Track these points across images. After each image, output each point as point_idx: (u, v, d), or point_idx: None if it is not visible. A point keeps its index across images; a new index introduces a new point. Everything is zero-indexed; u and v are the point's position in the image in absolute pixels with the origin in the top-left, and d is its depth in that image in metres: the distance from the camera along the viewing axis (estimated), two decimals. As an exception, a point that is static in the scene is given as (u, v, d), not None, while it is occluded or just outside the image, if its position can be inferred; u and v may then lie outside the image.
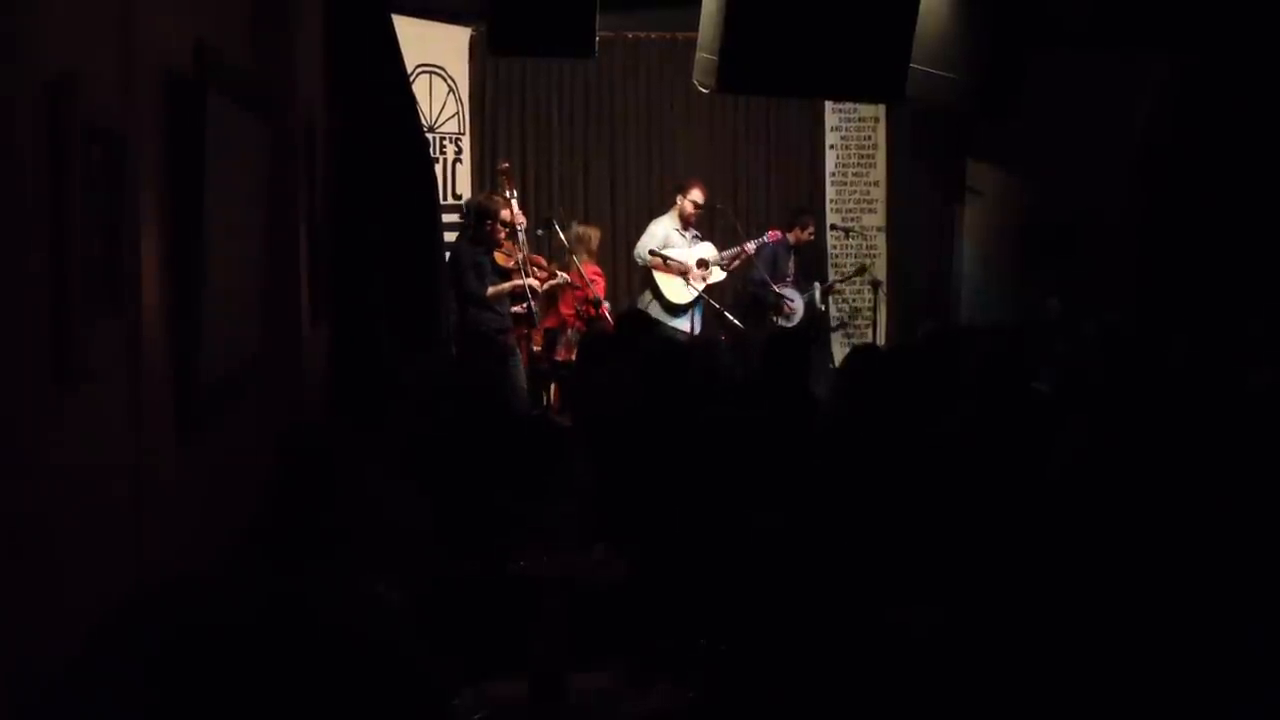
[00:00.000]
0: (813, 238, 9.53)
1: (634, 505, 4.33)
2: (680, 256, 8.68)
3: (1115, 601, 3.02)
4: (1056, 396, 5.07)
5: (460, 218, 8.71)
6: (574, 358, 8.17)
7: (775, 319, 9.13)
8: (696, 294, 8.71)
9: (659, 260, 8.65)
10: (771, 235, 9.08)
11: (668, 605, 3.58)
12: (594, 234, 8.83)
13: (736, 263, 9.06)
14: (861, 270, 9.95)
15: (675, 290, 8.71)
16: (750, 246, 8.96)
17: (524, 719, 2.89)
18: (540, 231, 8.52)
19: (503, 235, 7.98)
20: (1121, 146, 8.84)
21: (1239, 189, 8.18)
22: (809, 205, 9.86)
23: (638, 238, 9.02)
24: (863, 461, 3.91)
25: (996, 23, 6.96)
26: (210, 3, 3.32)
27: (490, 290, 7.93)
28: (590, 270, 8.51)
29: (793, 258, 9.45)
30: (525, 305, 8.04)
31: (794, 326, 9.16)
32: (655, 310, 8.43)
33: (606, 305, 8.54)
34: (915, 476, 3.59)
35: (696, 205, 8.83)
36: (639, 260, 8.77)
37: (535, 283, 8.00)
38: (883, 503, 3.52)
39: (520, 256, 8.09)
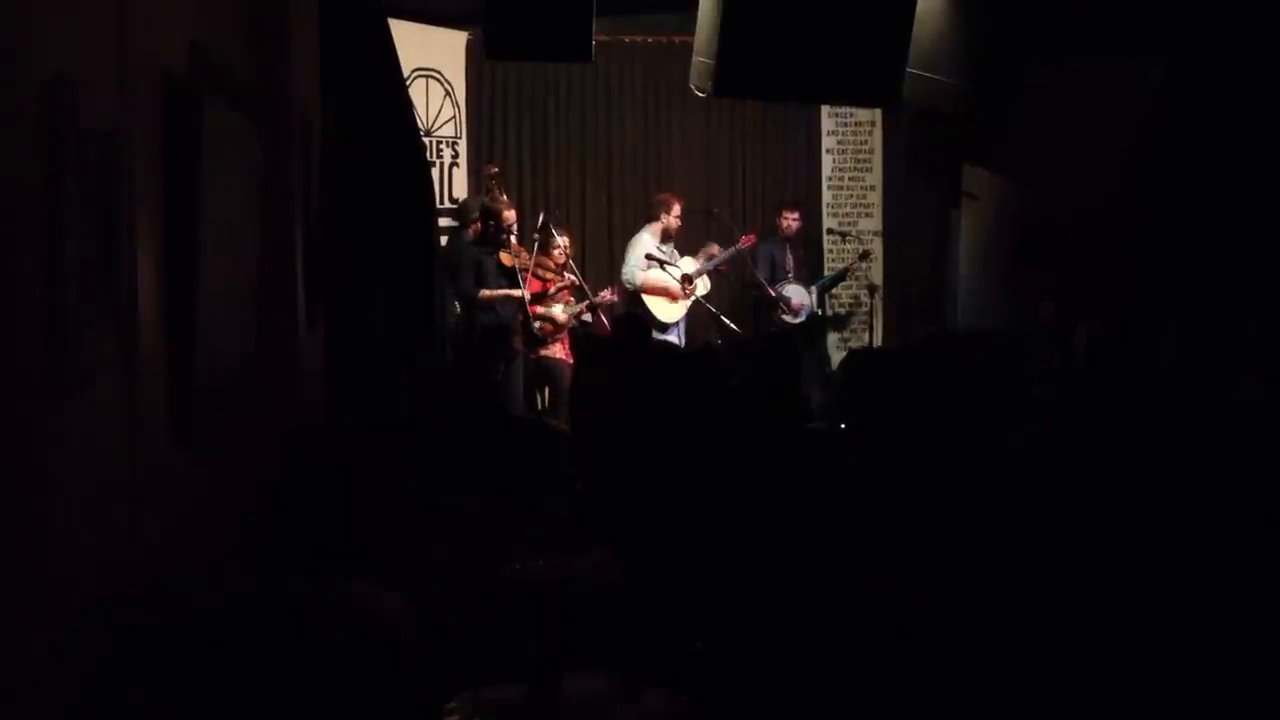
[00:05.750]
0: (798, 223, 9.51)
1: (630, 509, 4.34)
2: (665, 279, 8.75)
3: (1110, 604, 3.02)
4: (1049, 401, 5.07)
5: (454, 218, 8.75)
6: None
7: (780, 317, 9.16)
8: (685, 310, 8.84)
9: (652, 283, 8.74)
10: (745, 241, 9.14)
11: (663, 609, 3.58)
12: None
13: (721, 267, 9.14)
14: (843, 275, 9.94)
15: (664, 309, 8.81)
16: (727, 255, 9.06)
17: (519, 722, 2.89)
18: (536, 235, 8.55)
19: (505, 236, 8.06)
20: (1117, 151, 8.85)
21: (1233, 194, 8.19)
22: (790, 197, 9.87)
23: (631, 238, 9.08)
24: (863, 465, 3.91)
25: (993, 27, 6.97)
26: (206, 5, 3.32)
27: (482, 294, 7.98)
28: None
29: (790, 253, 9.46)
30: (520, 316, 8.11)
31: (797, 323, 9.21)
32: None
33: (609, 291, 8.67)
34: (918, 480, 3.59)
35: (679, 219, 8.94)
36: (629, 285, 8.82)
37: (525, 293, 8.04)
38: (884, 508, 3.52)
39: (525, 257, 8.15)
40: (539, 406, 8.50)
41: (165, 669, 1.82)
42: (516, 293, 8.04)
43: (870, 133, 10.26)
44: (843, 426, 4.54)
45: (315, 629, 1.97)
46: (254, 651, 1.88)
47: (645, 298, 8.80)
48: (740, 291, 9.57)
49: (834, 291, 10.09)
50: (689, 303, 8.91)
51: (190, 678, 1.82)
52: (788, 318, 9.24)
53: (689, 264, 9.02)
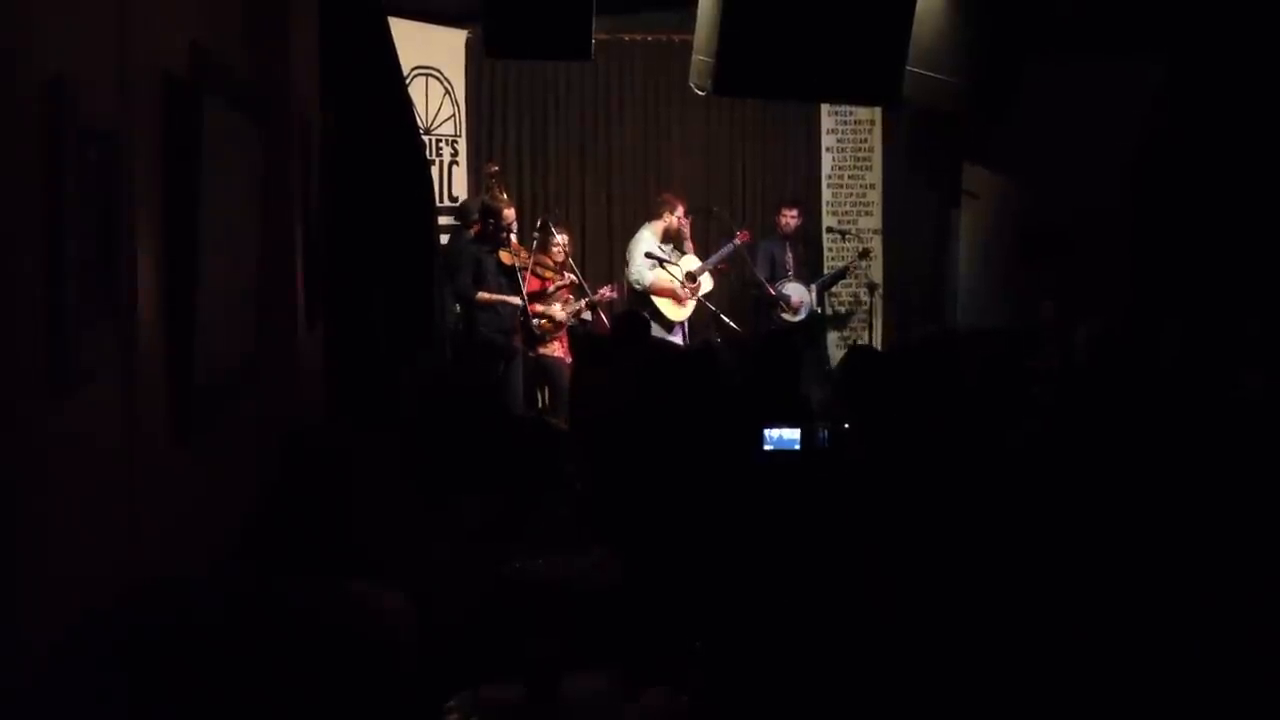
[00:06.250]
0: (797, 220, 9.50)
1: (630, 507, 4.33)
2: (671, 278, 8.77)
3: (1110, 606, 3.02)
4: (1049, 400, 5.08)
5: (455, 218, 8.75)
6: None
7: (779, 315, 9.16)
8: (693, 308, 8.86)
9: (662, 284, 8.75)
10: (742, 237, 9.15)
11: (663, 608, 3.58)
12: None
13: (723, 264, 9.16)
14: (843, 273, 9.93)
15: (671, 308, 8.83)
16: (725, 252, 9.08)
17: (519, 721, 2.89)
18: (536, 234, 8.55)
19: (505, 235, 8.06)
20: (1117, 150, 8.85)
21: (1234, 192, 8.19)
22: (790, 195, 9.87)
23: (632, 238, 9.08)
24: (864, 463, 3.91)
25: (993, 26, 6.96)
26: (206, 5, 3.32)
27: (480, 295, 7.98)
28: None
29: (790, 251, 9.46)
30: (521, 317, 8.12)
31: (797, 321, 9.21)
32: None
33: (609, 289, 8.68)
34: (917, 478, 3.60)
35: (681, 219, 8.96)
36: (638, 285, 8.83)
37: (519, 301, 8.04)
38: (884, 506, 3.52)
39: (524, 256, 8.16)
40: (539, 405, 8.50)
41: (165, 669, 1.82)
42: (514, 300, 8.04)
43: (870, 131, 10.25)
44: (845, 425, 4.55)
45: (316, 629, 1.97)
46: (254, 651, 1.87)
47: (655, 298, 8.82)
48: (740, 290, 9.57)
49: (834, 290, 10.09)
50: (695, 301, 8.93)
51: (190, 678, 1.81)
52: (788, 316, 9.25)
53: (689, 262, 9.03)
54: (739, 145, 10.20)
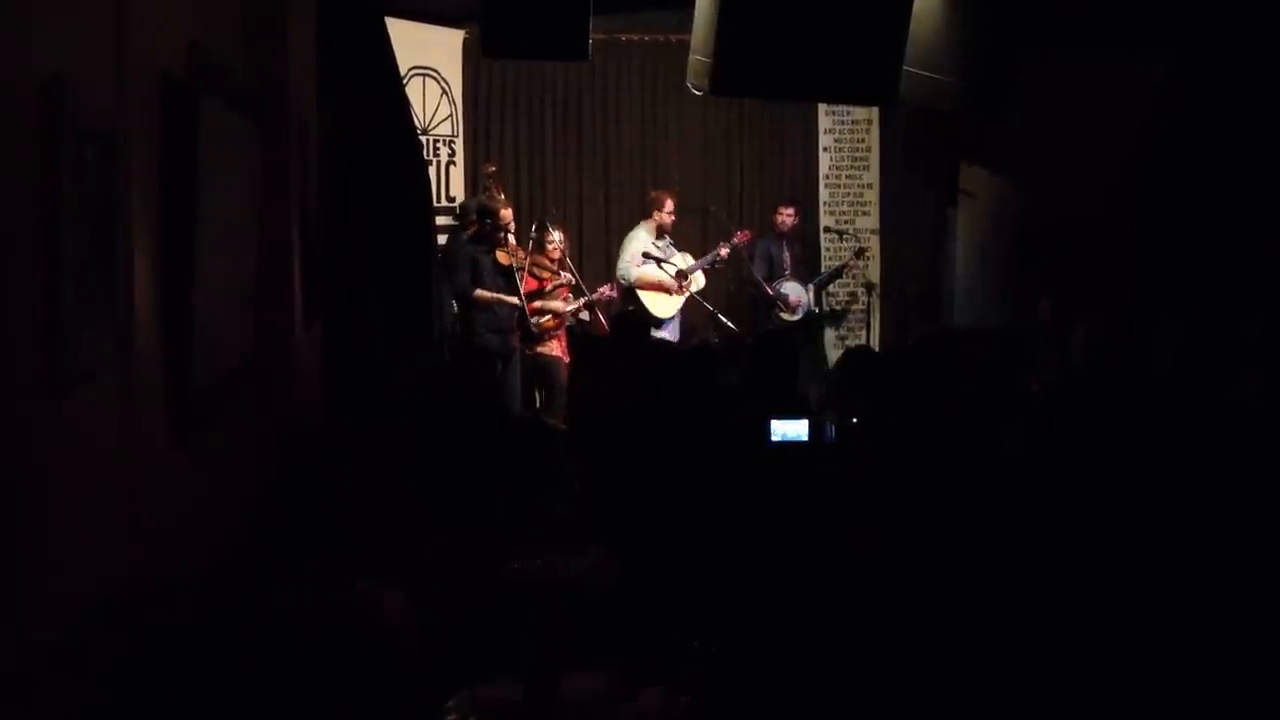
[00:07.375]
0: (794, 219, 9.50)
1: (628, 508, 4.33)
2: (660, 276, 8.77)
3: (1108, 605, 3.02)
4: (1047, 400, 5.08)
5: (454, 219, 8.75)
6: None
7: (778, 315, 9.16)
8: (680, 306, 8.85)
9: (646, 280, 8.75)
10: (741, 237, 9.15)
11: (662, 608, 3.58)
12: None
13: (718, 264, 9.15)
14: (840, 272, 9.92)
15: (660, 305, 8.83)
16: (724, 251, 9.07)
17: (518, 721, 2.89)
18: (534, 234, 8.55)
19: (502, 235, 8.06)
20: (1115, 150, 8.85)
21: (1232, 193, 8.19)
22: (786, 196, 9.87)
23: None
24: (861, 463, 3.91)
25: (990, 25, 6.96)
26: (204, 5, 3.31)
27: (477, 293, 7.97)
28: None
29: (787, 250, 9.46)
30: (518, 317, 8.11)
31: (795, 321, 9.21)
32: None
33: (608, 288, 8.69)
34: (914, 479, 3.59)
35: (672, 214, 8.96)
36: (623, 281, 8.84)
37: (516, 301, 8.04)
38: (882, 506, 3.52)
39: (521, 256, 8.16)
40: (536, 405, 8.50)
41: (166, 669, 1.82)
42: (512, 299, 8.03)
43: (868, 131, 10.25)
44: (854, 420, 4.54)
45: (316, 628, 1.97)
46: (254, 651, 1.87)
47: (640, 294, 8.82)
48: (738, 289, 9.58)
49: (831, 289, 10.09)
50: (683, 299, 8.93)
51: (190, 677, 1.81)
52: (785, 315, 9.24)
53: (684, 260, 9.03)
54: (736, 145, 10.19)
